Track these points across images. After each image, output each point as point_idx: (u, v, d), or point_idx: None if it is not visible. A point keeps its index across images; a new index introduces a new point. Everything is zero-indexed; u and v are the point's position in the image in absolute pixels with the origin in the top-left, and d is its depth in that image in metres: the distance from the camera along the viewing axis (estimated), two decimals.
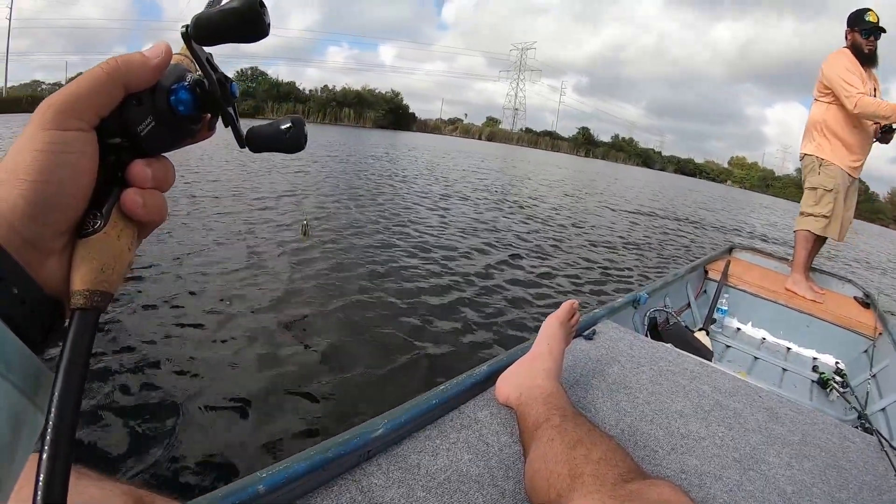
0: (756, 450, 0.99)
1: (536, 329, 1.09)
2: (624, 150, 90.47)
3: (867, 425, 1.50)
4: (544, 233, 6.53)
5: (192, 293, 2.99)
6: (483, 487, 0.76)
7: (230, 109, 0.33)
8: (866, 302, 2.68)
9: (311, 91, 59.50)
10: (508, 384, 0.99)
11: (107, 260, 0.28)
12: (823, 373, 2.06)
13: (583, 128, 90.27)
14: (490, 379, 1.03)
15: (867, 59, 2.62)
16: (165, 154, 0.32)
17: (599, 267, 5.10)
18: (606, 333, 1.44)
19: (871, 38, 2.60)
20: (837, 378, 2.03)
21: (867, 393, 1.92)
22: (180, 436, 1.74)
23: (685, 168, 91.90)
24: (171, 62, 0.31)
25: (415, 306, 3.19)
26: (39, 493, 0.23)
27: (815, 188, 2.75)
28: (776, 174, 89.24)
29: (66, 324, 0.27)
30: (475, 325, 3.00)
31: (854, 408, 1.77)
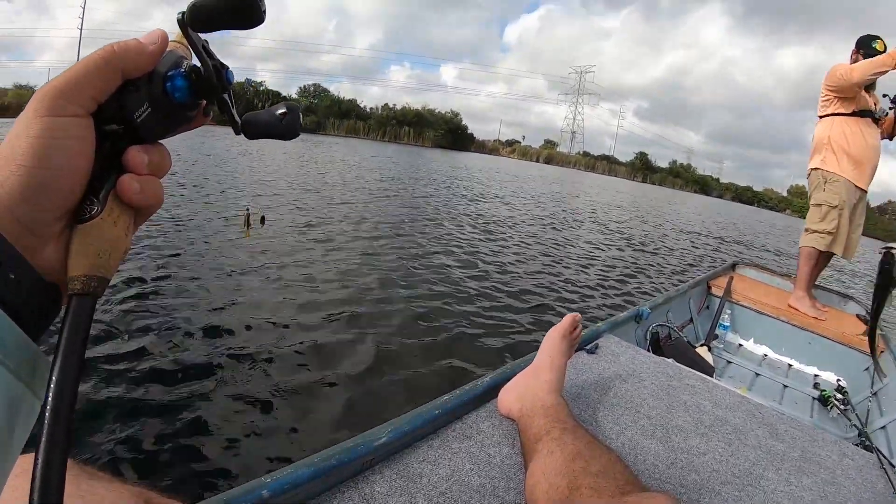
0: (755, 466, 0.99)
1: (539, 343, 1.10)
2: (681, 177, 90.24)
3: (867, 443, 1.50)
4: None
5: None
6: (484, 498, 0.76)
7: (225, 96, 0.33)
8: (868, 320, 2.68)
9: (371, 109, 61.49)
10: (510, 396, 1.00)
11: (103, 245, 0.28)
12: (825, 390, 2.05)
13: (640, 153, 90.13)
14: (492, 391, 1.04)
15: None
16: (161, 141, 0.33)
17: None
18: (608, 347, 1.45)
19: None
20: (838, 395, 2.03)
21: (868, 410, 1.91)
22: (194, 432, 1.75)
23: (743, 196, 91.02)
24: (168, 49, 0.32)
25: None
26: (38, 475, 0.24)
27: (819, 204, 2.76)
28: None
29: (64, 310, 0.28)
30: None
31: (854, 425, 1.77)
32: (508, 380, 1.05)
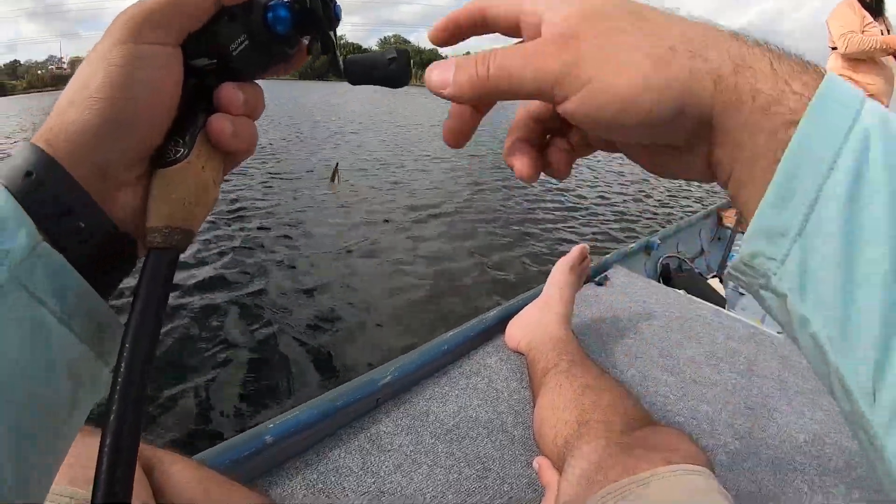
0: (768, 398, 0.98)
1: (547, 274, 1.06)
2: None
3: None
4: None
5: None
6: (492, 433, 0.75)
7: (331, 33, 0.29)
8: None
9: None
10: (518, 330, 0.98)
11: (189, 193, 0.25)
12: None
13: None
14: (500, 325, 1.02)
15: (873, 8, 2.56)
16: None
17: None
18: (618, 279, 1.41)
19: None
20: None
21: None
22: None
23: None
24: None
25: None
26: (105, 460, 0.21)
27: None
28: None
29: (141, 265, 0.24)
30: None
31: None
32: (516, 313, 1.02)
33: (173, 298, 2.23)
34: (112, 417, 0.22)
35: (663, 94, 0.20)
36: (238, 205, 3.92)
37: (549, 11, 0.23)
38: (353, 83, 0.29)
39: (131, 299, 0.23)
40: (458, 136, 0.28)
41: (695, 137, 0.22)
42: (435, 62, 0.26)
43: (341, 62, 0.29)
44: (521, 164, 0.27)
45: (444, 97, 0.25)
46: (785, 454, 0.83)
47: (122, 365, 0.22)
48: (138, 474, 0.46)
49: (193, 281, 2.52)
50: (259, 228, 3.45)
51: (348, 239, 3.31)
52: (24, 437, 0.20)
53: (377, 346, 2.11)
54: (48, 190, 0.22)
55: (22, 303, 0.20)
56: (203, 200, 0.26)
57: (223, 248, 3.01)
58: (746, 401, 0.95)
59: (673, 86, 0.20)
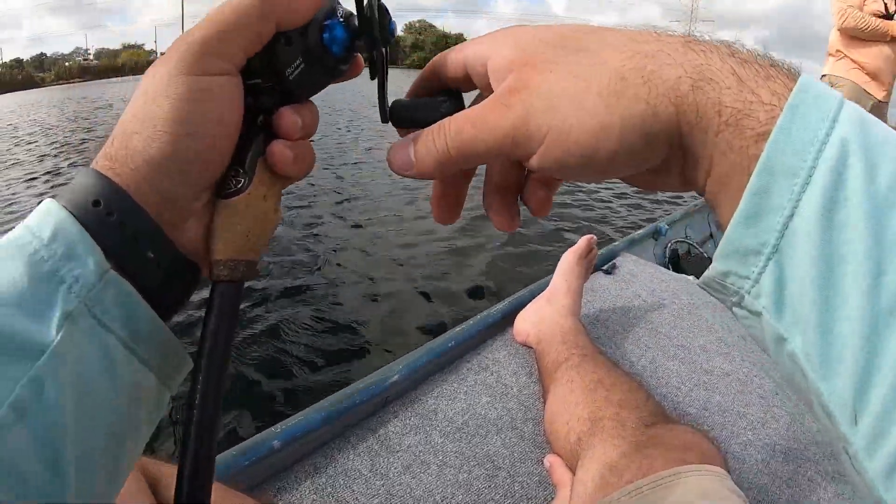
0: (781, 386, 0.96)
1: (555, 265, 1.05)
2: None
3: None
4: None
5: None
6: (501, 430, 0.74)
7: (384, 51, 0.27)
8: None
9: None
10: (526, 323, 0.97)
11: (252, 224, 0.25)
12: None
13: None
14: (507, 318, 1.01)
15: None
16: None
17: None
18: (626, 267, 1.39)
19: None
20: None
21: None
22: None
23: None
24: None
25: None
26: (184, 486, 0.22)
27: None
28: None
29: (208, 296, 0.25)
30: None
31: None
32: (523, 306, 1.01)
33: None
34: (190, 445, 0.23)
35: (624, 134, 0.19)
36: None
37: (491, 58, 0.22)
38: (398, 125, 0.27)
39: (200, 335, 0.24)
40: (451, 209, 0.28)
41: (668, 159, 0.21)
42: (393, 143, 0.25)
43: (387, 106, 0.27)
44: (499, 219, 0.27)
45: (410, 177, 0.24)
46: (798, 444, 0.82)
47: (196, 398, 0.23)
48: (144, 488, 0.46)
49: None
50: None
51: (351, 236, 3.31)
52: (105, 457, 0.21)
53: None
54: (116, 219, 0.22)
55: (90, 330, 0.20)
56: (265, 229, 0.26)
57: None
58: (759, 389, 0.94)
59: (632, 122, 0.19)
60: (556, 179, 0.27)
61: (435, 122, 0.25)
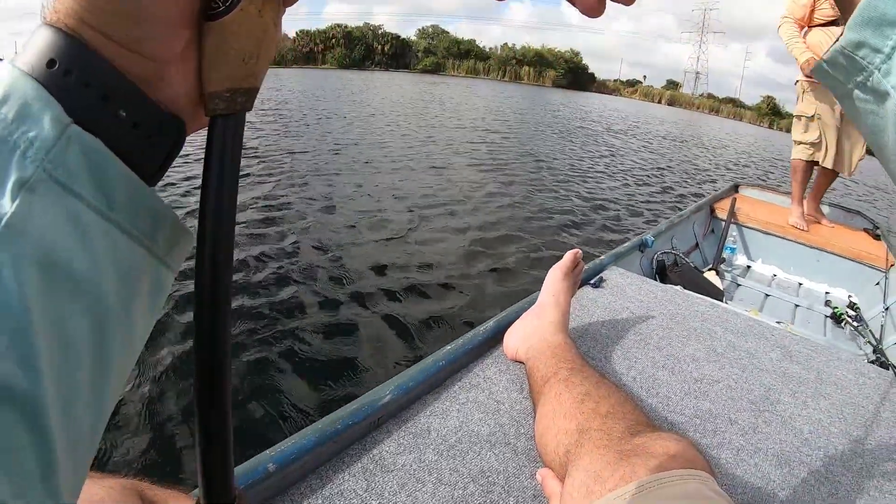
0: (771, 391, 0.97)
1: (541, 281, 1.06)
2: None
3: (883, 360, 1.49)
4: None
5: None
6: (495, 446, 0.75)
7: None
8: (877, 234, 2.64)
9: (490, 49, 61.80)
10: (516, 339, 0.97)
11: (249, 45, 0.21)
12: (836, 307, 2.03)
13: (767, 96, 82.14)
14: (497, 335, 1.02)
15: None
16: None
17: None
18: (613, 280, 1.41)
19: None
20: (851, 312, 2.01)
21: (882, 326, 1.89)
22: None
23: None
24: None
25: None
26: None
27: (799, 116, 2.74)
28: None
29: (206, 135, 0.22)
30: None
31: (869, 342, 1.75)
32: (512, 323, 1.02)
33: (160, 312, 2.21)
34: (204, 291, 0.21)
35: None
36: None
37: None
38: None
39: (202, 178, 0.21)
40: None
41: None
42: None
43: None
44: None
45: None
46: (790, 447, 0.83)
47: (205, 250, 0.21)
48: None
49: (180, 293, 2.44)
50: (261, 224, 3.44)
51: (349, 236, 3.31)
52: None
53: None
54: (77, 78, 0.18)
55: (54, 198, 0.17)
56: (265, 50, 0.22)
57: None
58: (749, 395, 0.95)
59: None
60: None
61: None
